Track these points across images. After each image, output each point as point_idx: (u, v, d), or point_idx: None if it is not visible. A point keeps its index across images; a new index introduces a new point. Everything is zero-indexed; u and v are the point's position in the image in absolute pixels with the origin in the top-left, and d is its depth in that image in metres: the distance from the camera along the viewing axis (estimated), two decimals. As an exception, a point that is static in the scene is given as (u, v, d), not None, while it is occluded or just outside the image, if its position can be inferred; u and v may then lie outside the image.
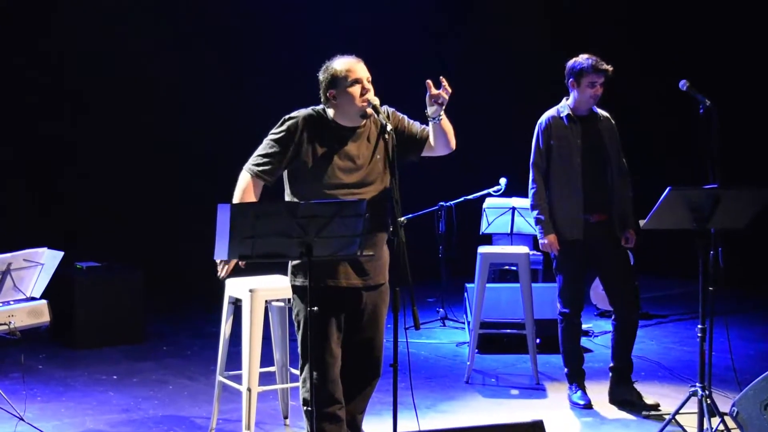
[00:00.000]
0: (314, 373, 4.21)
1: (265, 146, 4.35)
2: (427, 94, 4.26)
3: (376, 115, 4.27)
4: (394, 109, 4.50)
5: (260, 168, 4.31)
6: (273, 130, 4.37)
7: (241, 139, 9.75)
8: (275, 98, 8.71)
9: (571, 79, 5.86)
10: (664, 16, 11.18)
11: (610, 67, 5.80)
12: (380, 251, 4.39)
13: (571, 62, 5.88)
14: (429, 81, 4.25)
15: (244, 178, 4.33)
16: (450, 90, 4.24)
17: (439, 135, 4.39)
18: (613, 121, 6.02)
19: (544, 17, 11.34)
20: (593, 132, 5.92)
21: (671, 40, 11.08)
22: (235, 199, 4.29)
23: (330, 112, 4.36)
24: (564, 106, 5.96)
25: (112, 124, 9.42)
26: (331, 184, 4.24)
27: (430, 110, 4.29)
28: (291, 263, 4.38)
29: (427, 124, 4.49)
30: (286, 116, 4.37)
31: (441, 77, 4.28)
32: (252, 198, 4.29)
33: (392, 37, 10.65)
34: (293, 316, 4.43)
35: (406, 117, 4.54)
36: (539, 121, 6.01)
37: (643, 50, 11.13)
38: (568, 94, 5.96)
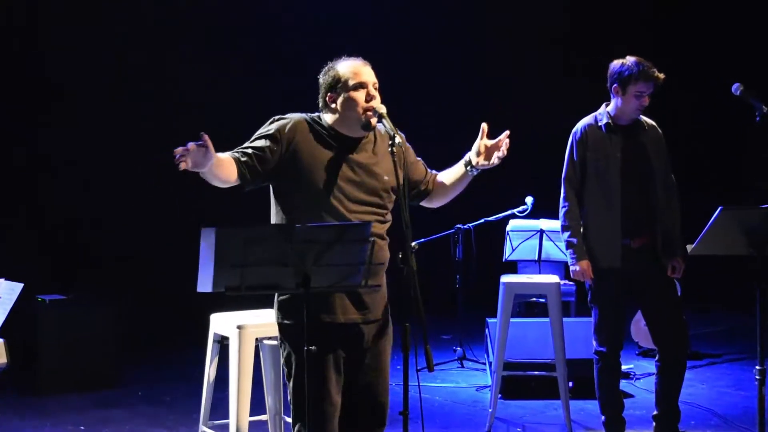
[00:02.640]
0: (310, 425, 4.19)
1: (248, 142, 4.29)
2: (478, 140, 4.31)
3: (382, 126, 4.25)
4: (404, 136, 4.46)
5: (237, 153, 4.22)
6: (261, 127, 4.33)
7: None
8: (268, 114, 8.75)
9: (615, 85, 5.82)
10: (710, 10, 11.21)
11: (662, 75, 5.76)
12: (382, 281, 4.37)
13: (617, 65, 5.82)
14: (485, 125, 4.30)
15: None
16: (506, 152, 4.30)
17: (458, 188, 4.49)
18: (660, 131, 5.99)
19: (570, 17, 11.39)
20: (636, 143, 5.90)
21: (721, 36, 11.10)
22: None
23: (328, 118, 4.33)
24: (603, 113, 5.93)
25: (85, 139, 9.47)
26: (327, 202, 4.21)
27: (474, 159, 4.34)
28: (277, 298, 4.34)
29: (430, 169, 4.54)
30: (276, 116, 4.35)
31: (507, 131, 4.29)
32: (228, 162, 4.16)
33: (404, 44, 10.74)
34: (281, 361, 4.39)
35: (412, 151, 4.52)
36: (574, 130, 6.00)
37: (686, 50, 11.15)
38: (608, 100, 5.94)
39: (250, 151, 4.22)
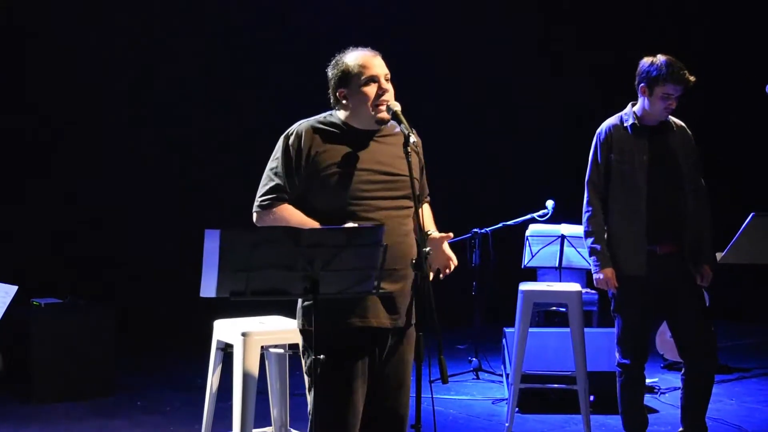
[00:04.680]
0: None
1: (266, 179, 4.31)
2: (441, 243, 4.30)
3: (396, 124, 4.24)
4: (420, 141, 4.41)
5: (282, 195, 4.26)
6: (271, 159, 4.33)
7: (230, 154, 10.00)
8: (269, 116, 8.79)
9: (642, 84, 5.81)
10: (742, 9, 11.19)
11: (693, 78, 5.75)
12: (409, 286, 4.34)
13: (646, 62, 5.82)
14: (450, 234, 4.32)
15: (265, 219, 4.27)
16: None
17: None
18: (690, 132, 5.99)
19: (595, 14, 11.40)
20: (664, 145, 5.89)
21: (754, 34, 11.08)
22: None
23: (341, 114, 4.33)
24: (629, 113, 5.93)
25: (82, 138, 9.50)
26: (352, 201, 4.20)
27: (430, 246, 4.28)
28: (302, 303, 4.33)
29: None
30: (287, 132, 4.32)
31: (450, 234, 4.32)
32: (297, 212, 4.25)
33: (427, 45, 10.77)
34: (304, 369, 4.34)
35: (423, 163, 4.49)
36: (598, 131, 5.99)
37: (714, 46, 11.12)
38: (635, 99, 5.94)
39: (287, 189, 4.26)
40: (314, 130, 4.29)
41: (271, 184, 4.28)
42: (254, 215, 4.33)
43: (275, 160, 4.31)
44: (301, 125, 4.32)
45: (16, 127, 9.21)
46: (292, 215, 4.24)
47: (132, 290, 9.46)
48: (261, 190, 4.32)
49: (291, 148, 4.27)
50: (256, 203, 4.32)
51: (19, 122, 9.23)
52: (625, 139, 5.89)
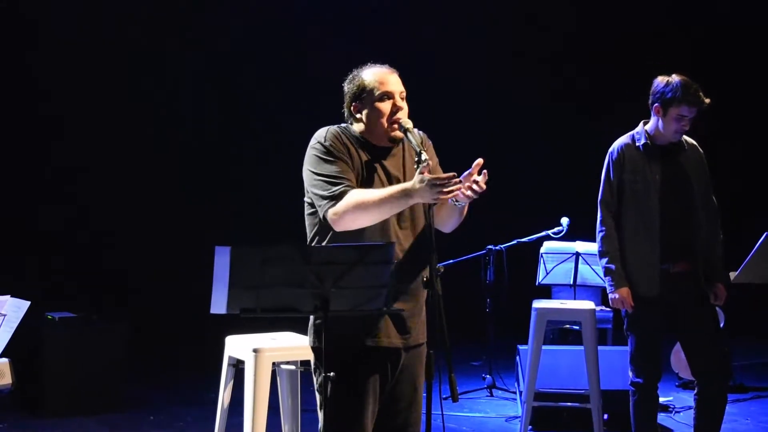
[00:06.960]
0: None
1: (319, 184, 4.19)
2: (468, 172, 4.10)
3: (407, 140, 4.24)
4: (431, 143, 4.40)
5: (335, 191, 4.13)
6: (314, 168, 4.22)
7: (237, 171, 10.03)
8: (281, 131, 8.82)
9: (656, 104, 5.80)
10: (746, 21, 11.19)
11: (708, 100, 5.73)
12: (420, 304, 4.34)
13: (661, 82, 5.80)
14: (480, 161, 4.09)
15: (343, 204, 4.09)
16: (483, 188, 4.10)
17: (453, 216, 4.34)
18: (701, 151, 5.99)
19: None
20: (676, 164, 5.89)
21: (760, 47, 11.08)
22: (362, 207, 4.05)
23: (356, 128, 4.33)
24: (641, 132, 5.93)
25: (94, 155, 9.56)
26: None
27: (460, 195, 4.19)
28: (314, 321, 4.33)
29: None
30: (318, 139, 4.24)
31: (479, 160, 4.08)
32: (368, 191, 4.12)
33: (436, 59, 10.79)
34: (315, 387, 4.35)
35: (436, 159, 4.45)
36: (610, 150, 5.99)
37: (724, 59, 11.11)
38: (647, 117, 5.94)
39: (349, 179, 4.16)
40: (342, 133, 4.29)
41: (329, 181, 4.14)
42: (328, 214, 4.12)
43: (321, 164, 4.19)
44: (329, 129, 4.29)
45: (29, 142, 9.28)
46: (367, 190, 4.11)
47: (144, 305, 9.49)
48: (322, 192, 4.16)
49: (333, 147, 4.20)
50: (324, 205, 4.14)
51: (38, 139, 9.30)
52: (637, 158, 5.89)
